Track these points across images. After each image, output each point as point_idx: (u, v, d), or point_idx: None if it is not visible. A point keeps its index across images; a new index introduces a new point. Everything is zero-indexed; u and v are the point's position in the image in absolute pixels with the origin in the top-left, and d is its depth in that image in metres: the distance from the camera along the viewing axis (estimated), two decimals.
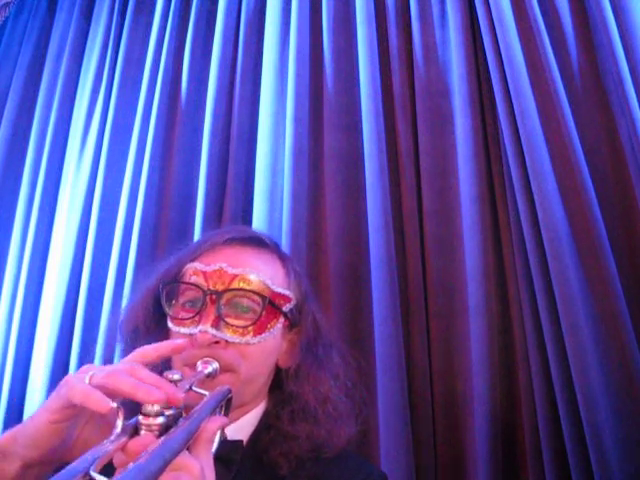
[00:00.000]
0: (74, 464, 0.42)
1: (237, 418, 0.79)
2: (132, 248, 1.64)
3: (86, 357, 1.59)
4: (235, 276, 0.78)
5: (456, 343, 1.37)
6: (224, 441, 0.62)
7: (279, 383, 0.85)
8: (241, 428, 0.79)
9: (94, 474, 0.42)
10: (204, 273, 0.79)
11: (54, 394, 0.53)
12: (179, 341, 0.62)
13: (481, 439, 1.24)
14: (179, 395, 0.52)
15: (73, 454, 0.55)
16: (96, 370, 0.53)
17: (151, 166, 1.73)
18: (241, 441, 0.76)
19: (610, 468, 1.11)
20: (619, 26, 1.41)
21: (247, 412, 0.81)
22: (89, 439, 0.56)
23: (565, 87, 1.42)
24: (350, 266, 1.49)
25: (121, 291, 1.61)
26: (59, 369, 1.61)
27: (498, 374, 1.29)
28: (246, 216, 1.64)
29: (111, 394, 0.50)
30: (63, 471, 0.41)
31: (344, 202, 1.55)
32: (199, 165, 1.72)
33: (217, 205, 1.66)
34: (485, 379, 1.27)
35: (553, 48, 1.47)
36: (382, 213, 1.45)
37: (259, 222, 1.56)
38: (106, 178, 1.80)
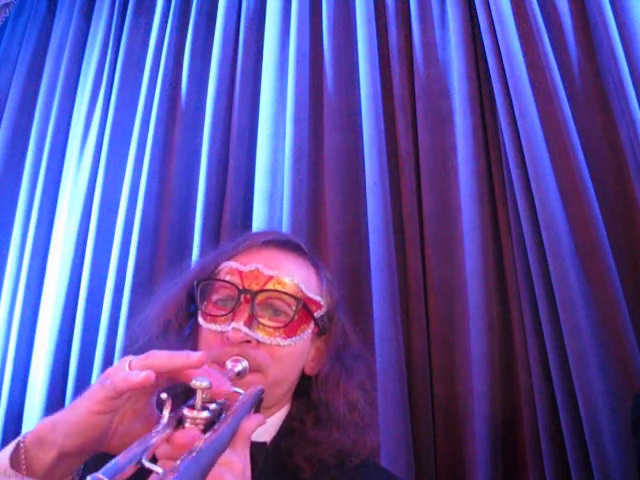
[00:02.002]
0: (125, 453, 0.43)
1: None
2: (132, 248, 1.64)
3: (86, 357, 1.59)
4: (270, 277, 0.78)
5: (456, 343, 1.37)
6: None
7: (305, 389, 0.84)
8: (264, 430, 0.78)
9: (146, 462, 0.43)
10: (240, 273, 0.79)
11: (97, 385, 0.53)
12: (197, 354, 0.55)
13: (481, 439, 1.24)
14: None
15: (110, 445, 0.56)
16: (133, 358, 0.54)
17: (151, 166, 1.74)
18: (265, 443, 0.76)
19: (610, 468, 1.11)
20: (619, 26, 1.41)
21: (271, 415, 0.80)
22: (128, 431, 0.56)
23: (565, 87, 1.42)
24: (350, 266, 1.49)
25: (121, 291, 1.61)
26: (59, 369, 1.61)
27: (498, 374, 1.30)
28: (246, 216, 1.64)
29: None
30: (117, 458, 0.41)
31: (344, 202, 1.55)
32: (199, 165, 1.72)
33: (217, 205, 1.66)
34: (485, 379, 1.27)
35: (553, 48, 1.47)
36: (382, 213, 1.45)
37: (259, 222, 1.56)
38: (106, 178, 1.80)
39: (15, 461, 0.54)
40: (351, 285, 1.47)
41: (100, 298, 1.65)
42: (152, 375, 0.50)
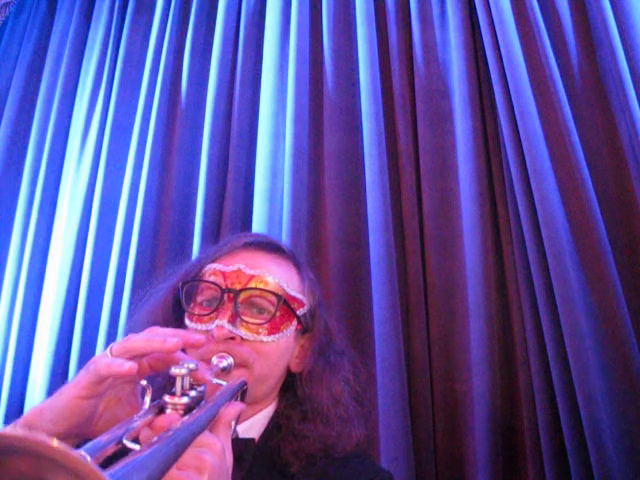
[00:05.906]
0: (107, 434, 0.44)
1: (248, 417, 0.81)
2: (132, 248, 1.64)
3: (86, 357, 1.59)
4: (252, 277, 0.81)
5: (456, 343, 1.37)
6: (236, 439, 0.64)
7: (291, 386, 0.87)
8: (252, 427, 0.81)
9: (126, 442, 0.45)
10: (223, 273, 0.82)
11: (82, 371, 0.56)
12: (197, 336, 0.61)
13: (481, 439, 1.24)
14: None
15: (96, 431, 0.58)
16: (114, 343, 0.57)
17: (151, 166, 1.74)
18: (253, 439, 0.78)
19: (610, 468, 1.11)
20: (619, 26, 1.41)
21: (258, 411, 0.83)
22: (113, 418, 0.58)
23: (565, 87, 1.42)
24: (350, 266, 1.49)
25: (121, 291, 1.61)
26: (59, 369, 1.61)
27: (498, 374, 1.30)
28: (246, 216, 1.64)
29: (132, 358, 0.54)
30: (98, 438, 0.43)
31: (344, 202, 1.55)
32: (199, 165, 1.72)
33: (217, 205, 1.66)
34: (485, 379, 1.27)
35: (553, 48, 1.47)
36: (382, 213, 1.45)
37: (259, 222, 1.56)
38: (106, 178, 1.80)
39: None
40: (351, 284, 1.47)
41: (100, 298, 1.65)
42: (135, 366, 0.53)
